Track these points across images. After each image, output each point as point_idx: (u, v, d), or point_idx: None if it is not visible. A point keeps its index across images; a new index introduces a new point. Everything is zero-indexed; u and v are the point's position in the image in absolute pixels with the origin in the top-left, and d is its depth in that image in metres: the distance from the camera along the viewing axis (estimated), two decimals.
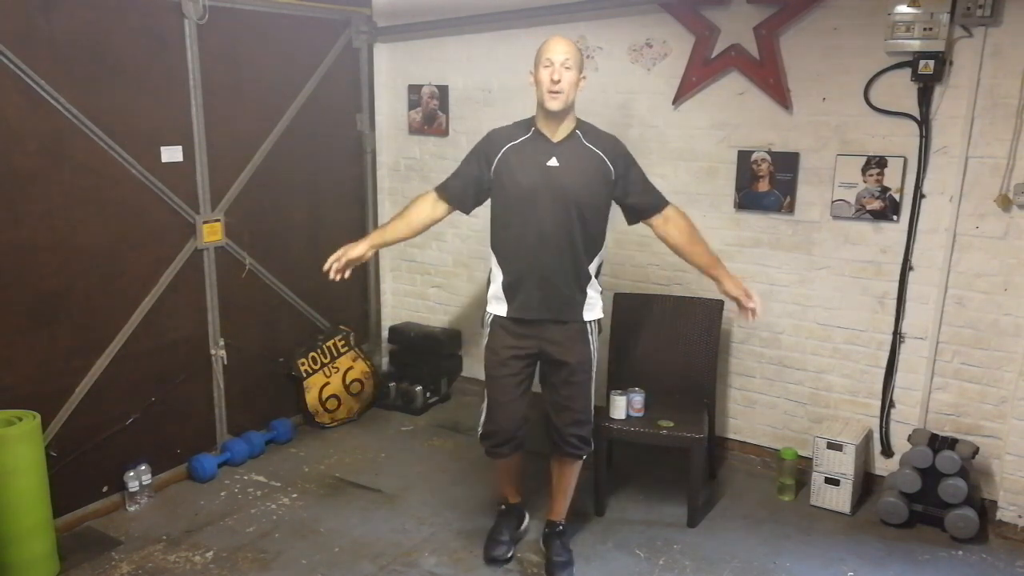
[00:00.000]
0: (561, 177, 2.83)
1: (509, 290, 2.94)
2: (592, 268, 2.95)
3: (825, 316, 3.70)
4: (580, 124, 2.91)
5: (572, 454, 3.07)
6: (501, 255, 2.96)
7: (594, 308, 2.98)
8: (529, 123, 2.92)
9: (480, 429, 3.12)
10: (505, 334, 2.97)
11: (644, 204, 2.98)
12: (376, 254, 4.74)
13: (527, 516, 3.39)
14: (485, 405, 3.08)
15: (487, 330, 3.03)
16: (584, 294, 2.94)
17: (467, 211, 3.06)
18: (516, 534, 3.29)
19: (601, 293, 3.02)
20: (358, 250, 2.95)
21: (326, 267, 2.94)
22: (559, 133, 2.86)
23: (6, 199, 3.01)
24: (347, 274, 2.97)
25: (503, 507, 3.31)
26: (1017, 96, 3.15)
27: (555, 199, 2.82)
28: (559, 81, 2.74)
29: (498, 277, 2.96)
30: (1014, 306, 3.30)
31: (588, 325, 2.98)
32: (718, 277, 2.99)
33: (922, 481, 3.34)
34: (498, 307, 2.98)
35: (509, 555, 3.18)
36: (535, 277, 2.88)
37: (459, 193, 3.00)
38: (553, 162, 2.83)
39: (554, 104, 2.77)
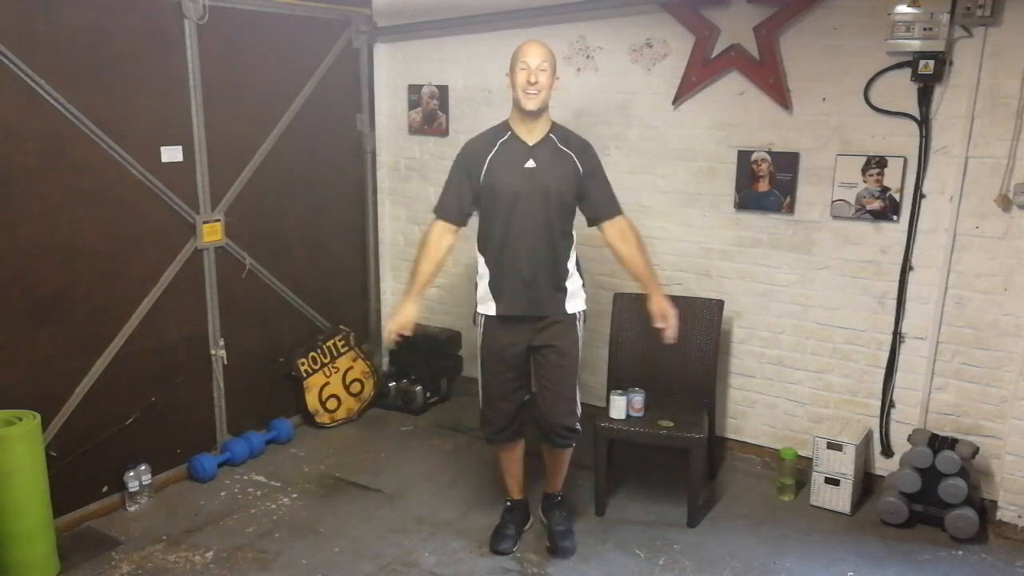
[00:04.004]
0: (540, 178, 2.93)
1: (495, 289, 3.04)
2: (571, 264, 3.07)
3: (825, 316, 3.70)
4: (554, 127, 3.01)
5: (562, 445, 3.20)
6: (486, 255, 3.06)
7: (576, 299, 3.09)
8: (504, 127, 3.01)
9: (479, 417, 3.26)
10: (497, 332, 3.08)
11: (603, 208, 3.06)
12: (376, 255, 4.79)
13: (532, 517, 3.40)
14: (480, 396, 3.21)
15: (480, 330, 3.14)
16: (565, 289, 3.05)
17: (466, 224, 3.12)
18: (522, 530, 3.33)
19: (584, 286, 3.14)
20: (412, 311, 3.00)
21: (388, 339, 3.03)
22: (534, 135, 2.96)
23: (6, 199, 3.01)
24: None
25: (508, 503, 3.34)
26: (1017, 96, 3.15)
27: (535, 200, 2.94)
28: (535, 82, 2.84)
29: (484, 277, 3.06)
30: (1014, 306, 3.30)
31: (574, 316, 3.09)
32: (650, 291, 3.08)
33: (922, 481, 3.34)
34: (487, 307, 3.08)
35: (514, 548, 3.24)
36: (519, 276, 2.98)
37: (456, 212, 3.05)
38: (531, 164, 2.94)
39: (531, 104, 2.87)
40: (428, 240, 3.05)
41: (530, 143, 2.95)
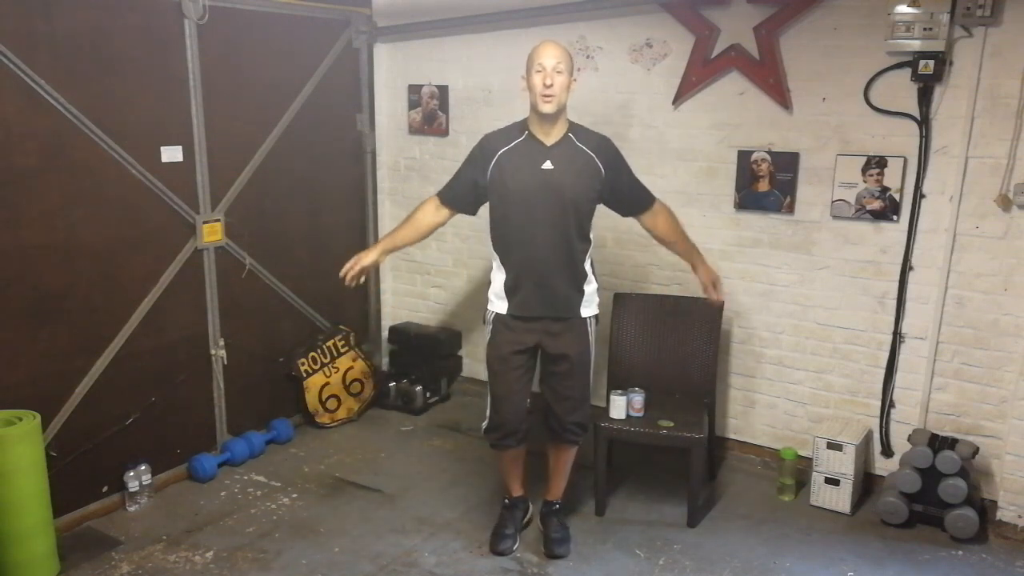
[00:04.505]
0: (557, 179, 2.90)
1: (509, 289, 3.02)
2: (587, 266, 3.05)
3: (825, 316, 3.70)
4: (572, 126, 2.99)
5: (571, 441, 3.21)
6: (501, 256, 3.03)
7: (591, 304, 3.08)
8: (522, 126, 2.99)
9: (485, 423, 3.21)
10: (506, 330, 3.06)
11: (636, 203, 3.15)
12: None
13: (531, 508, 3.41)
14: (488, 400, 3.18)
15: (489, 328, 3.12)
16: (581, 292, 3.03)
17: (471, 213, 3.18)
18: (521, 526, 3.33)
19: (598, 289, 3.12)
20: (370, 257, 3.11)
21: (342, 274, 3.09)
22: (552, 136, 2.93)
23: (6, 199, 3.01)
24: (361, 280, 3.12)
25: (507, 501, 3.34)
26: (1017, 96, 3.15)
27: (551, 201, 2.91)
28: (551, 85, 2.82)
29: (499, 277, 3.05)
30: (1014, 306, 3.30)
31: (587, 321, 3.07)
32: (694, 263, 3.21)
33: (922, 481, 3.34)
34: (499, 305, 3.06)
35: (515, 547, 3.23)
36: (534, 277, 2.96)
37: (459, 199, 3.12)
38: (548, 165, 2.91)
39: (547, 108, 2.85)
40: (417, 210, 3.16)
41: (548, 144, 2.93)
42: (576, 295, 3.01)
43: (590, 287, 3.06)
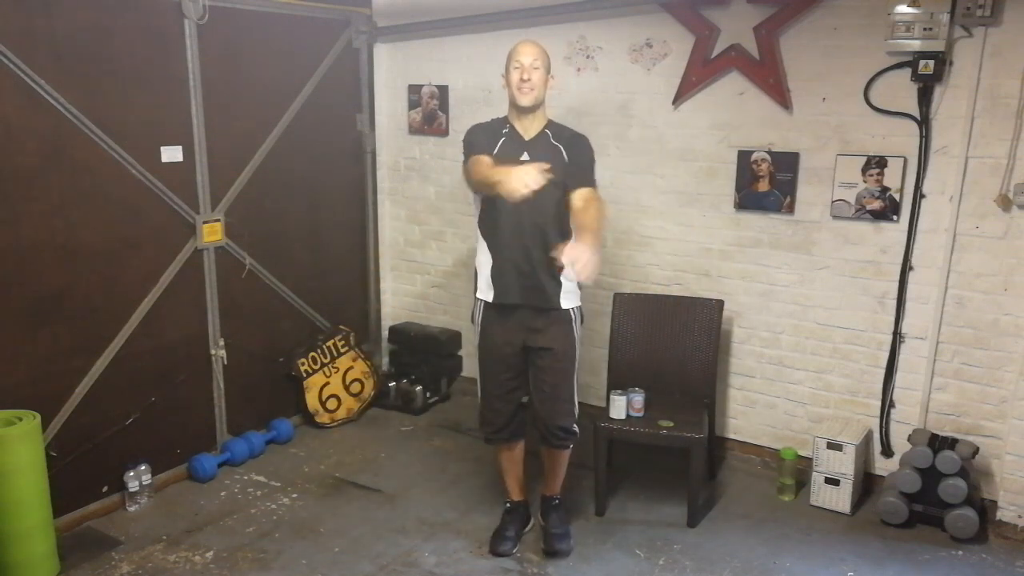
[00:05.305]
0: None
1: (494, 277, 3.07)
2: None
3: (825, 316, 3.70)
4: (550, 124, 3.06)
5: (560, 447, 3.22)
6: (488, 241, 3.08)
7: (571, 296, 3.10)
8: (503, 121, 3.07)
9: (478, 417, 3.27)
10: (492, 326, 3.10)
11: (574, 181, 2.96)
12: (376, 255, 4.79)
13: (532, 519, 3.41)
14: (480, 396, 3.23)
15: (478, 328, 3.16)
16: (559, 282, 3.04)
17: None
18: (522, 532, 3.34)
19: (579, 284, 3.11)
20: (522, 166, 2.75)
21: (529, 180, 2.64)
22: (531, 131, 3.02)
23: (6, 199, 3.01)
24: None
25: (508, 504, 3.35)
26: (1017, 96, 3.15)
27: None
28: (529, 79, 2.91)
29: (486, 264, 3.09)
30: (1014, 306, 3.30)
31: (570, 313, 3.09)
32: (578, 237, 2.79)
33: (922, 481, 3.34)
34: (486, 293, 3.10)
35: (514, 550, 3.24)
36: (514, 264, 3.02)
37: (487, 150, 2.97)
38: (525, 157, 2.97)
39: (525, 99, 2.94)
40: (474, 161, 2.93)
41: (526, 138, 3.00)
42: (555, 285, 3.03)
43: (568, 279, 3.05)
